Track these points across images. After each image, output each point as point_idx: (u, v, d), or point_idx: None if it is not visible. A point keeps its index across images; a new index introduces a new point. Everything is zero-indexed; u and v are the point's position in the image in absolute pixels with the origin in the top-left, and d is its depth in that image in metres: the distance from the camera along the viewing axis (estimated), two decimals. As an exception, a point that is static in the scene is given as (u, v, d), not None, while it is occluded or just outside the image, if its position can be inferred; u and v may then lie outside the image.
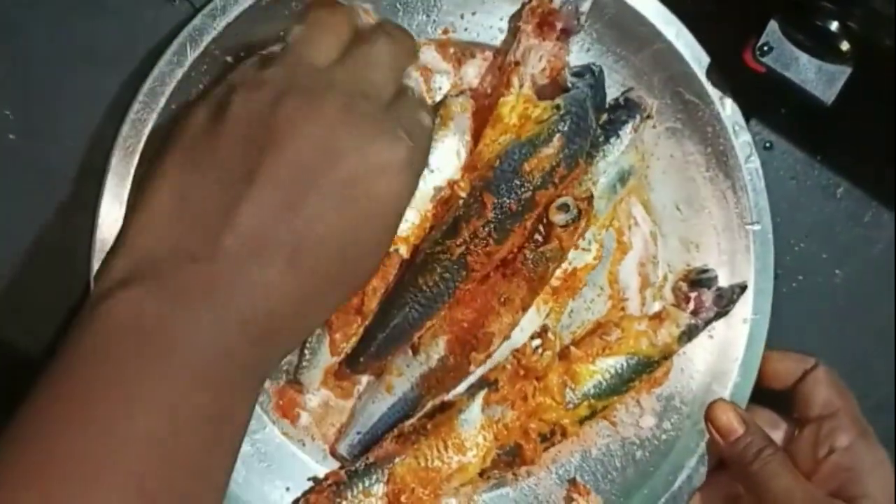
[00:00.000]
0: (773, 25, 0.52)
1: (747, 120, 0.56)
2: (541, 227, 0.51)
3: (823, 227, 0.62)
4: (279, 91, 0.40)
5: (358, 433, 0.54)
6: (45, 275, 0.54)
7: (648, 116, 0.55)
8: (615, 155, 0.54)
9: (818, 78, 0.52)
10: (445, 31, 0.54)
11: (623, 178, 0.55)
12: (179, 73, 0.50)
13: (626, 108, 0.54)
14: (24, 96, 0.53)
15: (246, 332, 0.38)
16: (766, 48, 0.52)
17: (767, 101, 0.58)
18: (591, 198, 0.52)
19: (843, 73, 0.52)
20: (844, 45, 0.50)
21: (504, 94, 0.51)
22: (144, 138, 0.50)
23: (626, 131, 0.54)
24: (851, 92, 0.52)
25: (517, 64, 0.51)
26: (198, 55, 0.50)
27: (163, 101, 0.50)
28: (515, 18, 0.54)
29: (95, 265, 0.48)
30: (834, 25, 0.49)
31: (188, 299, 0.37)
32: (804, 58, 0.52)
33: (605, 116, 0.54)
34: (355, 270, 0.42)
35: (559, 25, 0.52)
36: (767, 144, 0.60)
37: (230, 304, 0.37)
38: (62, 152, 0.53)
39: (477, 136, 0.52)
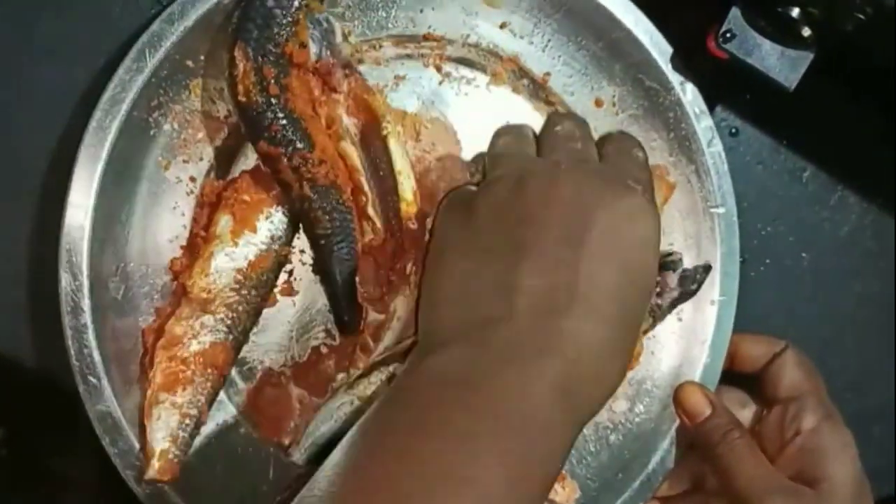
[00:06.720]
0: (735, 12, 0.52)
1: (712, 107, 0.56)
2: None
3: (790, 211, 0.62)
4: (514, 180, 0.44)
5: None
6: (14, 267, 0.55)
7: None
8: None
9: (781, 64, 0.52)
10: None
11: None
12: (140, 80, 0.50)
13: None
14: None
15: (558, 385, 0.40)
16: (728, 35, 0.52)
17: (732, 87, 0.58)
18: None
19: (805, 58, 0.52)
20: (806, 31, 0.50)
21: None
22: (107, 146, 0.50)
23: None
24: (814, 77, 0.52)
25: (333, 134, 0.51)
26: (158, 60, 0.50)
27: (124, 107, 0.50)
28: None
29: (63, 258, 0.49)
30: (795, 12, 0.49)
31: (504, 357, 0.41)
32: (767, 44, 0.52)
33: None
34: (636, 310, 0.44)
35: (336, 67, 0.50)
36: (733, 131, 0.60)
37: (540, 358, 0.40)
38: (32, 146, 0.54)
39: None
